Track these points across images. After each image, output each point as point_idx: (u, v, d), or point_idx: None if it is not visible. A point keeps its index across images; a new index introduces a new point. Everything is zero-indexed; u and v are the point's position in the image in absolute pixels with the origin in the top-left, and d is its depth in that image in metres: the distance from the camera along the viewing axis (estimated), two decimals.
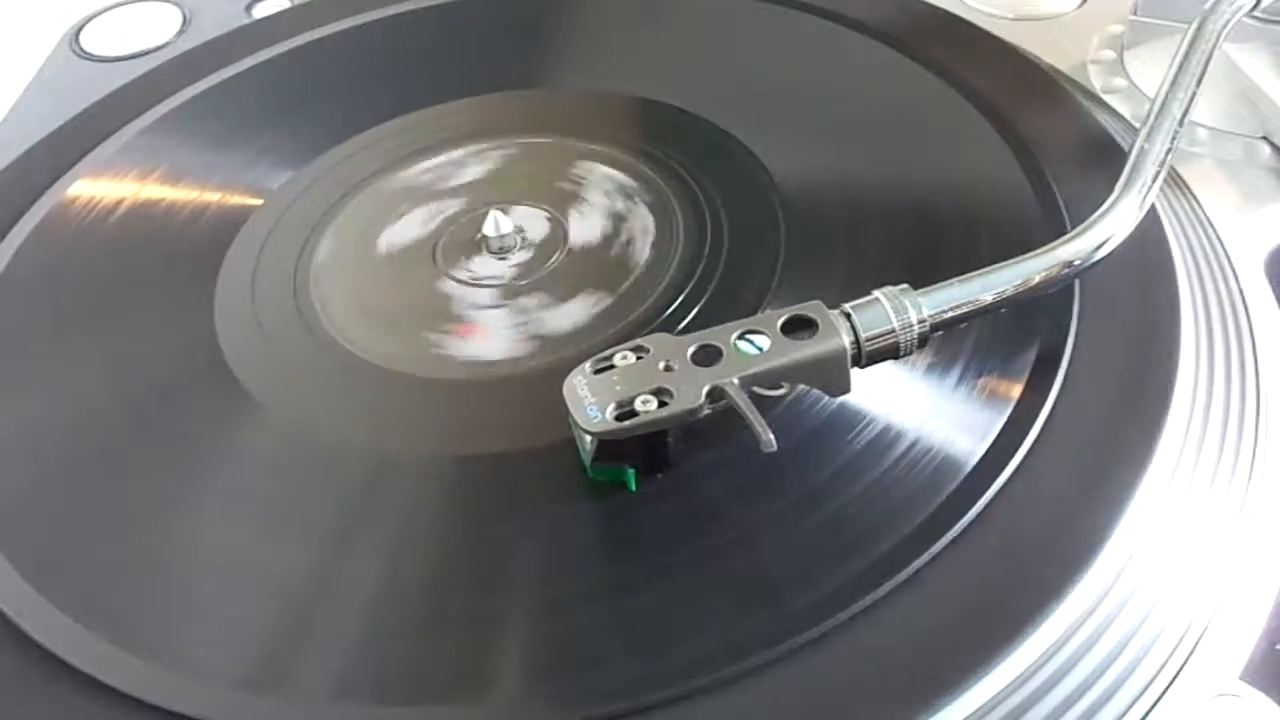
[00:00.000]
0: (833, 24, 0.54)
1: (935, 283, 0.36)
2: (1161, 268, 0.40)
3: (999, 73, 0.50)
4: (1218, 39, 0.45)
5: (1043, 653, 0.31)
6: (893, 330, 0.34)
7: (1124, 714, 0.32)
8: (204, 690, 0.32)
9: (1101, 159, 0.44)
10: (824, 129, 0.49)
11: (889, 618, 0.31)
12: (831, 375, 0.34)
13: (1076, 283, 0.39)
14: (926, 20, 0.55)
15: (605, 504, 0.35)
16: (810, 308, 0.34)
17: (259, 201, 0.49)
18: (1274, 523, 0.37)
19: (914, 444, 0.35)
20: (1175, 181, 0.48)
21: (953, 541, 0.33)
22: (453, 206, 0.48)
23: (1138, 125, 0.42)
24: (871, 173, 0.47)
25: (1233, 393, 0.39)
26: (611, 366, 0.34)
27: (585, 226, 0.46)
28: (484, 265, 0.45)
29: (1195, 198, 0.47)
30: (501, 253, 0.45)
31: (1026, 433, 0.35)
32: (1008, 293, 0.36)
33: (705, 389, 0.33)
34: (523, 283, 0.44)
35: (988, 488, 0.34)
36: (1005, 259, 0.36)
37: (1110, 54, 0.55)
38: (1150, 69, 0.53)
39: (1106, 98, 0.53)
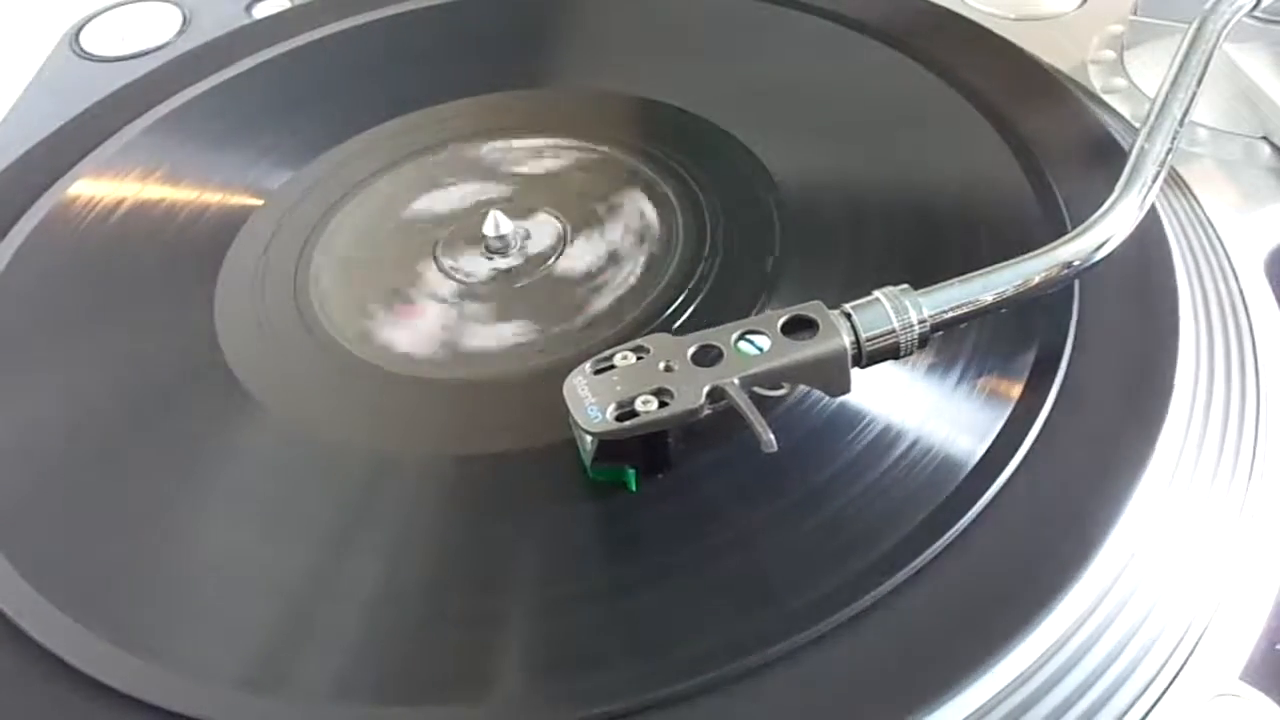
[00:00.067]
0: (833, 24, 0.54)
1: (935, 283, 0.36)
2: (1161, 268, 0.40)
3: (999, 72, 0.50)
4: (1218, 39, 0.45)
5: (1043, 653, 0.31)
6: (893, 330, 0.34)
7: (1124, 714, 0.32)
8: (204, 690, 0.32)
9: (1102, 159, 0.44)
10: (824, 129, 0.49)
11: (889, 618, 0.31)
12: (832, 375, 0.34)
13: (1076, 283, 0.39)
14: (927, 19, 0.55)
15: (605, 504, 0.35)
16: (810, 308, 0.34)
17: (259, 201, 0.49)
18: (1274, 523, 0.37)
19: (914, 444, 0.35)
20: (1175, 181, 0.48)
21: (952, 541, 0.33)
22: (454, 208, 0.48)
23: (1138, 125, 0.42)
24: (871, 172, 0.47)
25: (1233, 393, 0.39)
26: (612, 367, 0.34)
27: (584, 249, 0.45)
28: (472, 262, 0.45)
29: (1195, 198, 0.47)
30: (491, 253, 0.45)
31: (1026, 433, 0.35)
32: (1008, 293, 0.36)
33: (705, 389, 0.33)
34: (485, 289, 0.44)
35: (988, 488, 0.34)
36: (1005, 259, 0.36)
37: (1110, 54, 0.55)
38: (1150, 69, 0.53)
39: (1106, 98, 0.53)
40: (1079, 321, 0.38)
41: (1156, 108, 0.42)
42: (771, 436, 0.32)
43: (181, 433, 0.40)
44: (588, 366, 0.34)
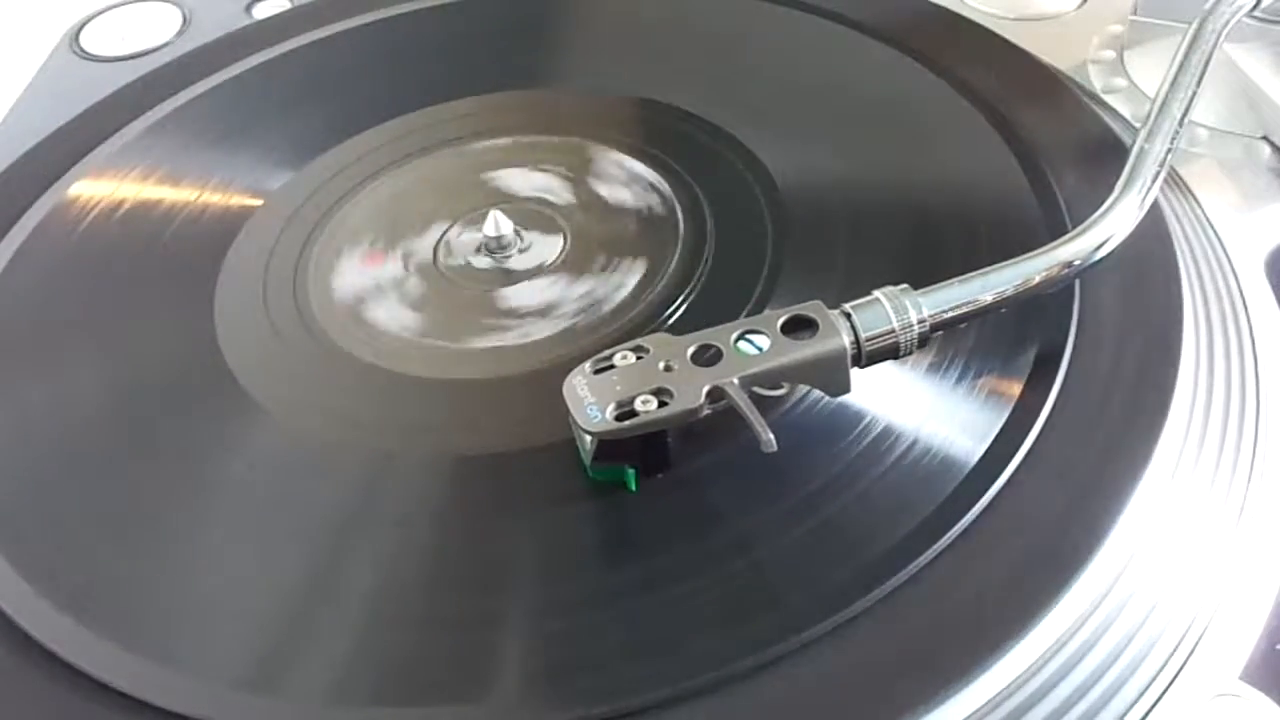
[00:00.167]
0: (833, 24, 0.54)
1: (935, 283, 0.36)
2: (1163, 267, 0.40)
3: (999, 72, 0.50)
4: (1218, 39, 0.45)
5: (1043, 653, 0.31)
6: (893, 330, 0.34)
7: (1124, 714, 0.32)
8: (204, 690, 0.32)
9: (1102, 159, 0.44)
10: (824, 129, 0.49)
11: (889, 618, 0.31)
12: (831, 375, 0.34)
13: (1077, 282, 0.39)
14: (927, 19, 0.55)
15: (605, 504, 0.35)
16: (810, 308, 0.34)
17: (259, 201, 0.49)
18: (1274, 523, 0.37)
19: (914, 444, 0.35)
20: (1175, 181, 0.48)
21: (952, 542, 0.33)
22: (454, 208, 0.48)
23: (1138, 125, 0.42)
24: (872, 173, 0.47)
25: (1233, 393, 0.39)
26: (611, 366, 0.34)
27: (584, 249, 0.45)
28: (471, 261, 0.45)
29: (1195, 198, 0.47)
30: (490, 253, 0.45)
31: (1026, 433, 0.35)
32: (1008, 293, 0.36)
33: (705, 389, 0.33)
34: (484, 288, 0.44)
35: (988, 488, 0.34)
36: (1005, 259, 0.36)
37: (1110, 54, 0.55)
38: (1150, 69, 0.53)
39: (1106, 98, 0.53)
40: (1079, 321, 0.38)
41: (1156, 108, 0.42)
42: (771, 436, 0.32)
43: (181, 433, 0.40)
44: (587, 366, 0.34)
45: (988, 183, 0.45)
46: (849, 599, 0.32)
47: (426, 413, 0.40)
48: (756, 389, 0.34)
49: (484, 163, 0.50)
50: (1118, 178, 0.39)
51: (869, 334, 0.34)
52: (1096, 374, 0.37)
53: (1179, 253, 0.41)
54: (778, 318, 0.34)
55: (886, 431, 0.36)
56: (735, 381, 0.33)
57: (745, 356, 0.34)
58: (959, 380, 0.37)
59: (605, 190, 0.48)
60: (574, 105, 0.52)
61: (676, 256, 0.44)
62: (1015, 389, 0.37)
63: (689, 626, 0.32)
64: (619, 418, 0.33)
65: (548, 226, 0.46)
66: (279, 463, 0.39)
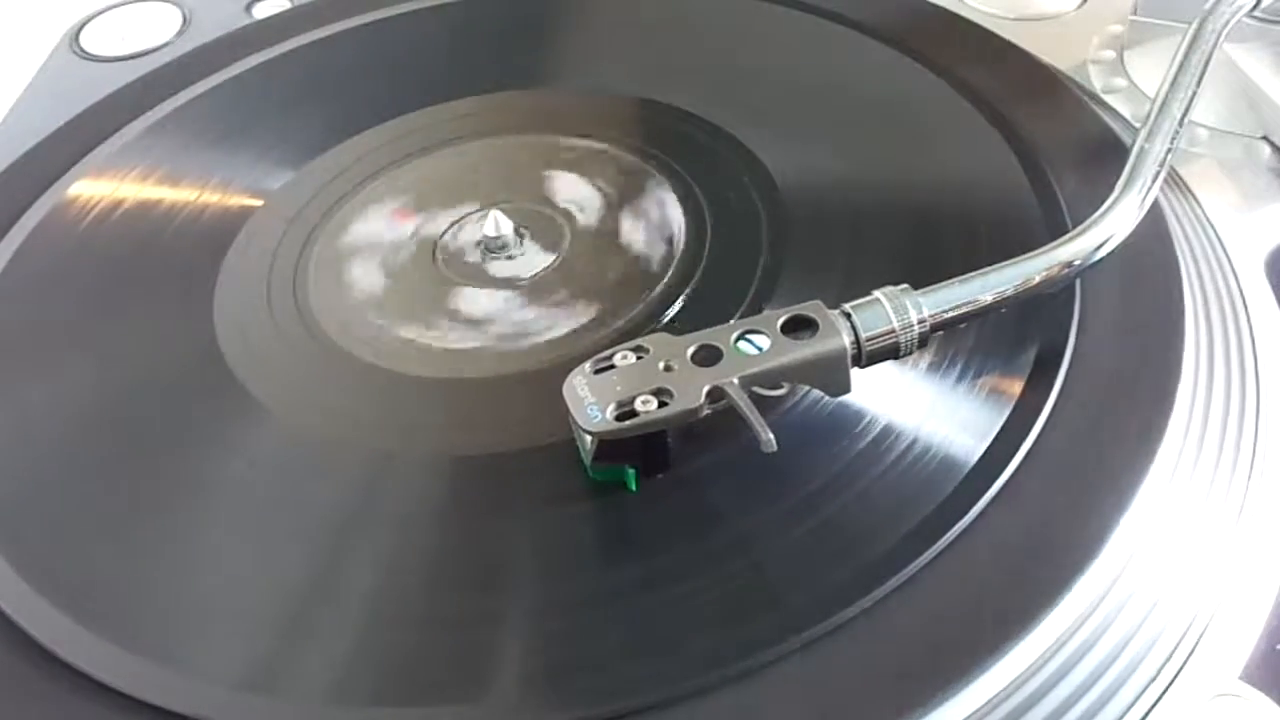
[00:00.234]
0: (833, 24, 0.54)
1: (935, 283, 0.36)
2: (1163, 267, 0.40)
3: (999, 72, 0.50)
4: (1218, 39, 0.45)
5: (1043, 653, 0.31)
6: (893, 330, 0.34)
7: (1124, 714, 0.32)
8: (204, 690, 0.32)
9: (1102, 159, 0.44)
10: (824, 129, 0.49)
11: (889, 618, 0.31)
12: (831, 375, 0.34)
13: (1077, 282, 0.39)
14: (927, 19, 0.55)
15: (605, 504, 0.35)
16: (810, 308, 0.34)
17: (259, 202, 0.49)
18: (1274, 523, 0.37)
19: (914, 444, 0.35)
20: (1175, 181, 0.48)
21: (952, 541, 0.33)
22: (454, 208, 0.48)
23: (1138, 125, 0.42)
24: (871, 173, 0.47)
25: (1233, 393, 0.39)
26: (611, 366, 0.34)
27: (584, 249, 0.45)
28: (471, 261, 0.45)
29: (1195, 198, 0.47)
30: (490, 253, 0.45)
31: (1026, 432, 0.35)
32: (1008, 293, 0.36)
33: (705, 389, 0.33)
34: (484, 288, 0.44)
35: (988, 488, 0.34)
36: (1005, 259, 0.36)
37: (1110, 54, 0.55)
38: (1150, 69, 0.53)
39: (1106, 98, 0.53)
40: (1079, 321, 0.38)
41: (1156, 108, 0.42)
42: (771, 436, 0.32)
43: (181, 432, 0.40)
44: (587, 366, 0.34)
45: (988, 183, 0.45)
46: (849, 599, 0.32)
47: (426, 413, 0.40)
48: (756, 389, 0.34)
49: (483, 162, 0.50)
50: (1118, 178, 0.39)
51: (869, 334, 0.34)
52: (1097, 374, 0.37)
53: (1179, 253, 0.41)
54: (778, 318, 0.34)
55: (886, 431, 0.36)
56: (735, 381, 0.33)
57: (745, 356, 0.34)
58: (959, 380, 0.37)
59: (605, 190, 0.47)
60: (574, 105, 0.52)
61: (676, 256, 0.44)
62: (1015, 388, 0.37)
63: (689, 626, 0.32)
64: (619, 418, 0.33)
65: (547, 226, 0.46)
66: (278, 463, 0.39)
